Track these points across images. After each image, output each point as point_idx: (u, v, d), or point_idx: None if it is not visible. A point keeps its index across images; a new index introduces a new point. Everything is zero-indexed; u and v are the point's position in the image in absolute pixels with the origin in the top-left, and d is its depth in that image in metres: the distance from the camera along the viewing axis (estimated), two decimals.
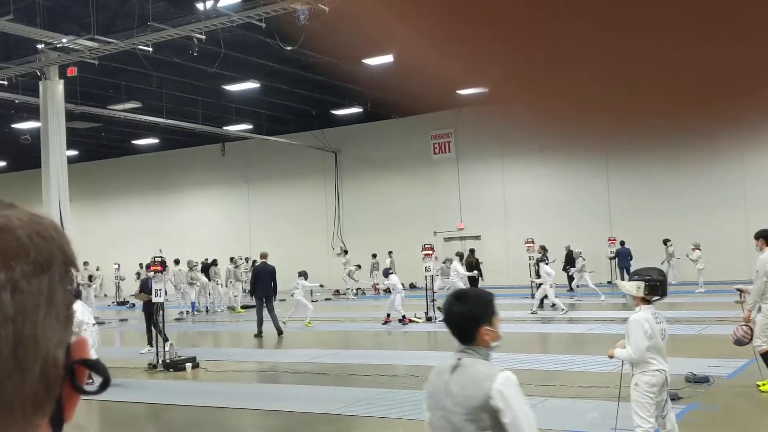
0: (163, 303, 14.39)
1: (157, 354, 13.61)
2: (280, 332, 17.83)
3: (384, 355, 14.05)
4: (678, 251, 26.10)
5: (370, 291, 30.12)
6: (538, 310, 19.66)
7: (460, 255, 21.64)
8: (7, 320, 0.61)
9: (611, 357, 6.31)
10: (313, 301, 28.26)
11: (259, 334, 17.80)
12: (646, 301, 6.05)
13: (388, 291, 30.31)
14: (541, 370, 11.44)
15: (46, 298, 0.64)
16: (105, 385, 0.70)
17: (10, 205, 0.68)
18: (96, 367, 0.70)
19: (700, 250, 24.45)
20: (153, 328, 15.34)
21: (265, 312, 18.07)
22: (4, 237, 0.63)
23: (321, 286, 23.35)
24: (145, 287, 15.86)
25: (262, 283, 18.56)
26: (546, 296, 19.90)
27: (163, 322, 14.38)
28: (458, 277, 20.95)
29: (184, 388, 12.12)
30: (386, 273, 19.93)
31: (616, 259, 25.98)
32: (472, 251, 24.08)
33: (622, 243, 26.39)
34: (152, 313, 15.36)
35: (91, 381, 0.71)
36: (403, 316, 18.55)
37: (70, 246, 0.70)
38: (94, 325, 11.99)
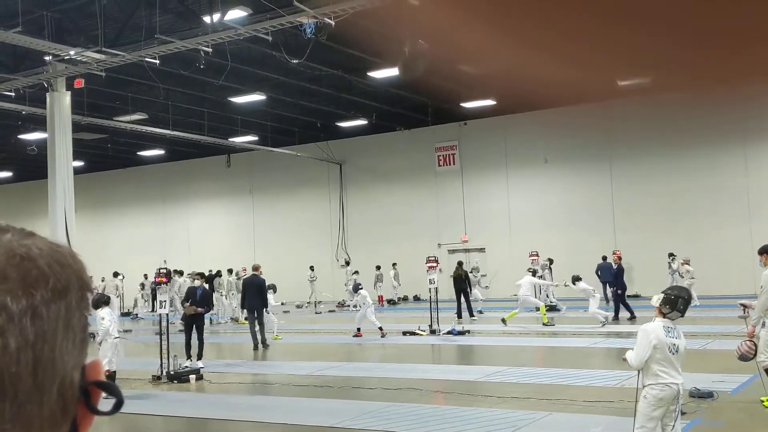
0: (203, 314, 15.08)
1: (162, 365, 13.63)
2: (263, 345, 17.90)
3: (388, 368, 14.04)
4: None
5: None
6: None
7: (532, 271, 22.22)
8: (27, 345, 0.64)
9: (625, 359, 6.40)
10: (316, 313, 28.34)
11: (255, 347, 17.84)
12: (662, 313, 6.19)
13: (391, 302, 30.42)
14: (546, 384, 11.42)
15: (63, 322, 0.68)
16: (118, 406, 0.73)
17: (30, 233, 0.72)
18: (110, 388, 0.73)
19: (689, 264, 24.55)
20: (196, 340, 15.13)
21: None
22: (24, 266, 0.67)
23: (282, 303, 23.46)
24: (193, 297, 15.67)
25: (250, 295, 18.56)
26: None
27: (202, 335, 14.70)
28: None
29: (188, 399, 12.13)
30: (356, 288, 20.01)
31: (599, 273, 25.92)
32: (460, 264, 24.18)
33: (604, 258, 26.26)
34: (196, 325, 15.26)
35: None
36: (380, 328, 18.64)
37: (86, 272, 0.74)
38: (116, 338, 12.08)
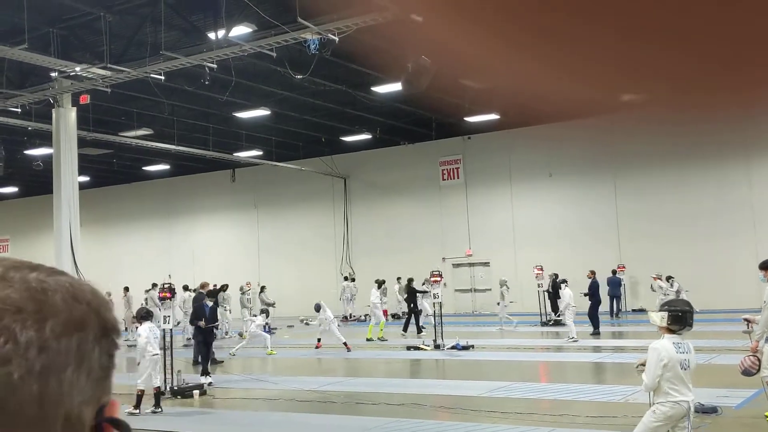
0: (213, 328, 15.18)
1: (165, 381, 13.61)
2: (195, 362, 17.79)
3: (391, 383, 14.02)
4: (688, 278, 25.94)
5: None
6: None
7: (379, 282, 23.54)
8: (31, 376, 0.65)
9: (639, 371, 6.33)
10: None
11: (195, 362, 17.83)
12: (671, 330, 6.12)
13: (395, 317, 30.35)
14: (550, 399, 11.39)
15: (76, 357, 0.68)
16: None
17: (60, 272, 0.73)
18: (121, 426, 0.73)
19: (662, 279, 24.74)
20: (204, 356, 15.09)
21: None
22: (38, 298, 0.68)
23: (273, 329, 23.78)
24: (201, 312, 15.56)
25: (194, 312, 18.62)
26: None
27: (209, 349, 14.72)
28: (374, 304, 22.68)
29: (192, 415, 12.12)
30: (317, 307, 20.19)
31: (608, 287, 26.01)
32: (410, 280, 24.37)
33: (614, 272, 26.45)
34: (207, 340, 15.22)
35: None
36: (345, 343, 19.16)
37: (108, 311, 0.75)
38: (154, 355, 11.98)
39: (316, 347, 19.83)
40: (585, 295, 21.50)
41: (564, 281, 21.11)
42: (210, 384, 14.25)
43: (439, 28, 0.57)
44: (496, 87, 0.61)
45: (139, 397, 11.78)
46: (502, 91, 0.61)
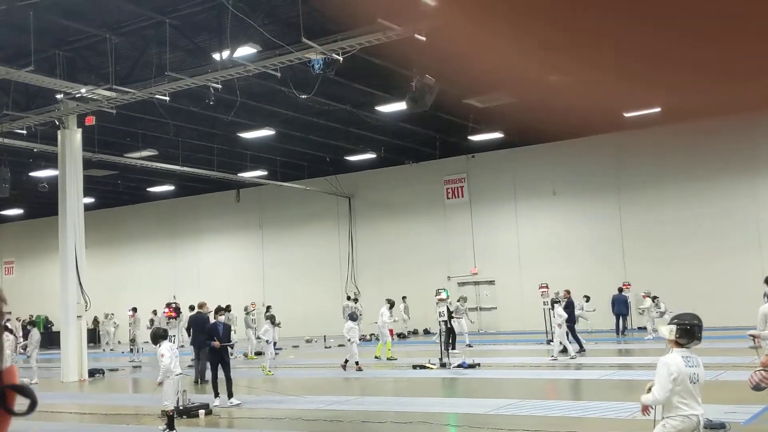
0: (228, 346, 15.14)
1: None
2: (196, 381, 17.94)
3: (398, 402, 13.96)
4: (693, 294, 25.84)
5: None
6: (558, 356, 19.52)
7: (390, 302, 23.44)
8: None
9: (643, 405, 6.25)
10: (326, 347, 28.20)
11: (196, 382, 17.75)
12: (679, 344, 6.09)
13: (401, 336, 30.29)
14: (557, 417, 11.33)
15: None
16: (32, 407, 0.77)
17: None
18: (24, 391, 0.77)
19: (650, 298, 24.66)
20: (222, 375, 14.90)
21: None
22: None
23: (278, 349, 23.78)
24: (215, 332, 15.42)
25: (195, 332, 18.62)
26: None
27: (230, 371, 14.66)
28: (383, 323, 22.59)
29: None
30: (353, 317, 20.43)
31: (614, 306, 25.95)
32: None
33: (620, 289, 26.35)
34: (225, 359, 15.12)
35: None
36: (345, 361, 19.48)
37: None
38: (178, 374, 11.91)
39: (359, 369, 19.32)
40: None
41: (558, 301, 20.96)
42: (219, 405, 14.17)
43: (446, 42, 0.58)
44: (506, 96, 0.62)
45: (171, 417, 11.71)
46: (513, 100, 0.63)
